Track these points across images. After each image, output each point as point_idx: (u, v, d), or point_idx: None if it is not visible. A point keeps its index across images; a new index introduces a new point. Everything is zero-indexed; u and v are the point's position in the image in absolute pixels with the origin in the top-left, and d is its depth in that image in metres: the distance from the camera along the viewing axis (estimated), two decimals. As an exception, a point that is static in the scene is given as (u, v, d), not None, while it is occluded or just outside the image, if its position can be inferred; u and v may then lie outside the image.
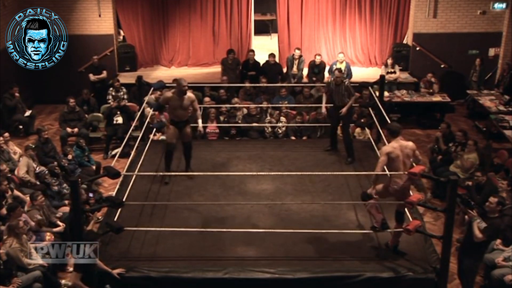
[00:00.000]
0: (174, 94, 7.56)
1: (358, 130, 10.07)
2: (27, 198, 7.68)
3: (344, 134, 8.53)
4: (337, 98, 8.30)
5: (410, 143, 6.10)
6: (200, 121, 7.81)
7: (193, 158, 7.99)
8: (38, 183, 8.31)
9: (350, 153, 8.41)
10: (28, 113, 11.29)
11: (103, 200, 7.54)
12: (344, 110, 8.19)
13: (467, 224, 6.30)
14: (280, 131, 10.23)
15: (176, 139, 7.72)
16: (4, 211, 7.10)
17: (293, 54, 12.32)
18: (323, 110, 8.74)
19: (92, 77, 12.02)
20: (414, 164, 6.12)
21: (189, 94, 7.63)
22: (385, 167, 6.01)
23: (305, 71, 12.45)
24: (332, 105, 8.51)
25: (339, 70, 8.53)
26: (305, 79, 12.34)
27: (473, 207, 6.69)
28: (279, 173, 7.72)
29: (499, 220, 6.20)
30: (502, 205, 6.24)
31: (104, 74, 12.12)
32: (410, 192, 6.15)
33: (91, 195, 8.50)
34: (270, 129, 10.25)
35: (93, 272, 5.66)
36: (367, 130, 9.71)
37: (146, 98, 9.14)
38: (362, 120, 9.87)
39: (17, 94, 11.10)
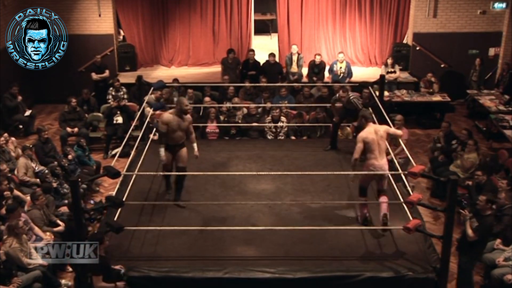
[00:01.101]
0: (173, 114, 6.86)
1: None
2: (27, 198, 7.69)
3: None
4: (348, 105, 8.46)
5: (383, 126, 6.67)
6: (195, 145, 7.11)
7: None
8: (38, 182, 8.32)
9: None
10: (28, 112, 11.30)
11: (102, 207, 7.43)
12: (356, 123, 8.37)
13: (463, 223, 6.36)
14: (282, 132, 10.19)
15: (171, 162, 7.08)
16: (4, 211, 7.11)
17: (291, 52, 12.33)
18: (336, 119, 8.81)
19: (94, 76, 12.01)
20: (398, 141, 6.45)
21: (187, 115, 6.95)
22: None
23: (305, 71, 12.46)
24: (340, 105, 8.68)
25: (344, 90, 8.68)
26: (305, 79, 12.34)
27: (465, 207, 6.75)
28: (279, 173, 7.71)
29: (490, 218, 6.23)
30: (491, 203, 6.26)
31: (107, 73, 12.13)
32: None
33: (92, 201, 8.47)
34: (272, 128, 10.23)
35: (110, 268, 5.71)
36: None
37: (146, 98, 9.14)
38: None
39: (19, 97, 11.10)
